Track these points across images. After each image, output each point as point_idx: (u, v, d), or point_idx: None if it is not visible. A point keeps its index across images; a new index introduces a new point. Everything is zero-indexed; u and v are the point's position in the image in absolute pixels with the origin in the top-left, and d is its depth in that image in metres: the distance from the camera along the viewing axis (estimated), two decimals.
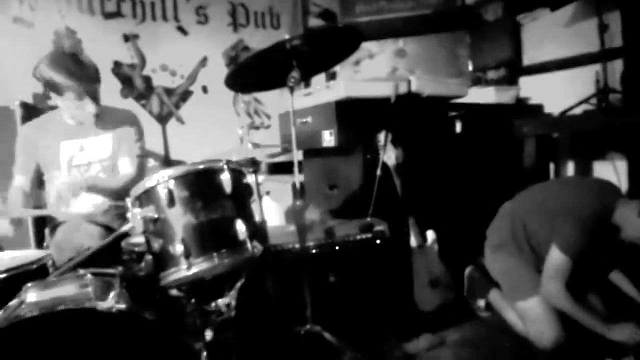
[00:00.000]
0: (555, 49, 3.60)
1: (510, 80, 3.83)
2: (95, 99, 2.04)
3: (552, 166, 3.53)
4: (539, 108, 3.55)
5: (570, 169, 3.53)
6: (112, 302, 1.27)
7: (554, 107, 3.39)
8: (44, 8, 3.55)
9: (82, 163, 2.16)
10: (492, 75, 3.98)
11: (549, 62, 3.65)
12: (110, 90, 3.69)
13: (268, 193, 3.27)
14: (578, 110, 3.03)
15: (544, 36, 3.70)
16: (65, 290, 1.31)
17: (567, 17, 3.48)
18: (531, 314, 2.06)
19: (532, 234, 2.13)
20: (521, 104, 3.59)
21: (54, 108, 2.23)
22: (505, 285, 2.24)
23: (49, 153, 2.14)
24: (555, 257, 1.95)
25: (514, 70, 3.86)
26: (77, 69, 1.98)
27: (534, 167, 3.10)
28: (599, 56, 3.05)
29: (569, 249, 1.91)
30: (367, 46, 4.03)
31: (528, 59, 3.85)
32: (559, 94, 3.38)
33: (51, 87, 2.01)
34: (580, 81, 3.26)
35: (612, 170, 3.12)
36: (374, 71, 4.01)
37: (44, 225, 2.28)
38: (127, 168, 2.18)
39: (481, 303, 2.43)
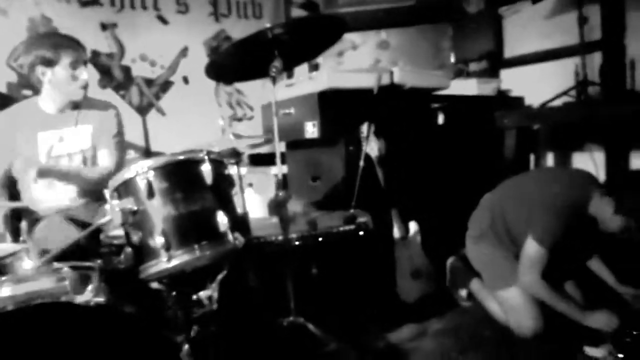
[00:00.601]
0: (536, 41, 3.64)
1: (492, 72, 3.87)
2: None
3: (532, 157, 3.58)
4: (519, 100, 3.59)
5: (550, 160, 3.58)
6: (90, 295, 1.24)
7: (534, 99, 3.43)
8: None
9: (62, 154, 2.11)
10: (473, 67, 4.01)
11: (530, 54, 3.69)
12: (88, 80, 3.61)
13: (251, 185, 3.24)
14: (558, 102, 3.07)
15: (525, 28, 3.74)
16: (41, 284, 1.29)
17: (547, 10, 3.52)
18: (511, 302, 2.09)
19: (510, 225, 2.15)
20: (502, 95, 3.63)
21: (28, 97, 2.18)
22: (485, 274, 2.27)
23: (26, 144, 2.08)
24: (531, 248, 1.97)
25: (495, 62, 3.89)
26: (64, 40, 2.07)
27: (514, 158, 3.14)
28: (578, 48, 3.09)
29: (544, 239, 1.93)
30: (350, 37, 4.01)
31: (509, 51, 3.89)
32: (539, 86, 3.42)
33: (43, 62, 2.00)
34: (560, 73, 3.30)
35: (590, 161, 3.17)
36: (357, 62, 3.99)
37: (19, 219, 2.22)
38: (105, 160, 2.14)
39: (462, 292, 2.45)
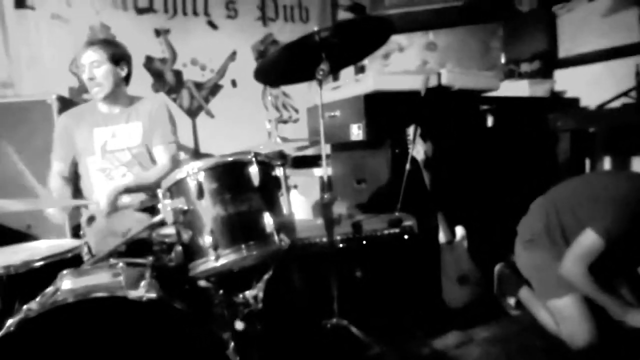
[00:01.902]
0: (593, 40, 3.48)
1: (545, 72, 3.73)
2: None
3: (587, 161, 3.42)
4: (574, 101, 3.45)
5: (607, 164, 3.41)
6: (143, 290, 1.29)
7: (590, 101, 3.28)
8: (79, 4, 3.64)
9: (115, 148, 2.23)
10: (525, 67, 3.88)
11: (586, 53, 3.54)
12: (142, 84, 3.77)
13: (295, 186, 3.28)
14: (616, 104, 2.92)
15: (581, 27, 3.58)
16: (98, 278, 1.35)
17: (605, 7, 3.36)
18: (564, 312, 2.01)
19: (566, 227, 2.06)
20: (556, 97, 3.49)
21: (88, 101, 2.32)
22: (536, 282, 2.18)
23: (84, 139, 2.23)
24: (588, 238, 1.91)
25: (549, 63, 3.75)
26: (91, 41, 2.27)
27: (568, 162, 3.01)
28: (638, 47, 2.93)
29: (606, 232, 1.86)
30: (396, 39, 3.97)
31: (564, 51, 3.74)
32: (596, 86, 3.27)
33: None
34: (619, 73, 3.14)
35: None
36: (403, 64, 3.95)
37: (78, 215, 2.35)
38: (161, 156, 2.23)
39: (511, 301, 2.38)
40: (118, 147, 2.23)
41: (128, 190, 2.08)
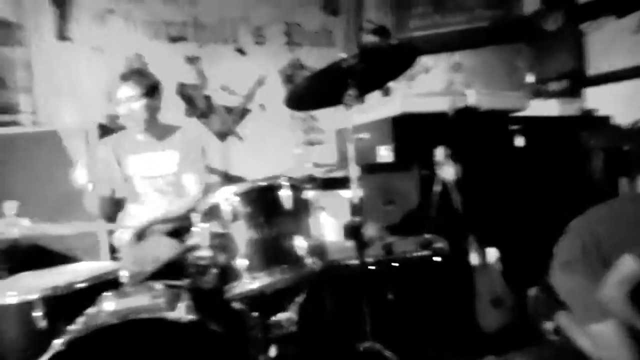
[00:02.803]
0: (623, 57, 3.44)
1: (573, 91, 3.69)
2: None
3: (622, 180, 3.34)
4: (606, 119, 3.39)
5: None
6: (182, 312, 1.33)
7: (623, 118, 3.22)
8: (116, 35, 3.81)
9: (149, 175, 2.29)
10: (553, 86, 3.85)
11: (617, 71, 3.49)
12: (175, 109, 3.89)
13: (324, 208, 3.30)
14: None
15: (610, 45, 3.55)
16: (139, 300, 1.39)
17: (634, 24, 3.33)
18: (604, 338, 1.95)
19: (606, 250, 2.01)
20: (587, 115, 3.44)
21: (124, 128, 2.40)
22: (575, 306, 2.12)
23: (119, 166, 2.29)
24: (627, 264, 1.86)
25: (577, 81, 3.71)
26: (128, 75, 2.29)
27: (602, 181, 2.96)
28: None
29: None
30: (422, 60, 4.00)
31: (593, 69, 3.70)
32: (628, 104, 3.22)
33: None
34: None
35: None
36: (429, 85, 3.97)
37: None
38: (192, 186, 2.27)
39: (549, 325, 2.31)
40: (153, 174, 2.29)
41: (156, 223, 2.14)
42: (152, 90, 2.26)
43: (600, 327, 1.96)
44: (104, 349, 1.26)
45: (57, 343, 1.24)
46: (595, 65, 3.69)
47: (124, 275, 1.71)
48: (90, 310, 1.41)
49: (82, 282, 1.58)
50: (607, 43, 3.59)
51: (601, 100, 3.54)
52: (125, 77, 2.25)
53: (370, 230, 2.36)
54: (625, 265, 1.87)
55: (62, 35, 3.66)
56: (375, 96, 3.49)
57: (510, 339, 2.25)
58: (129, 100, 2.19)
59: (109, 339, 1.26)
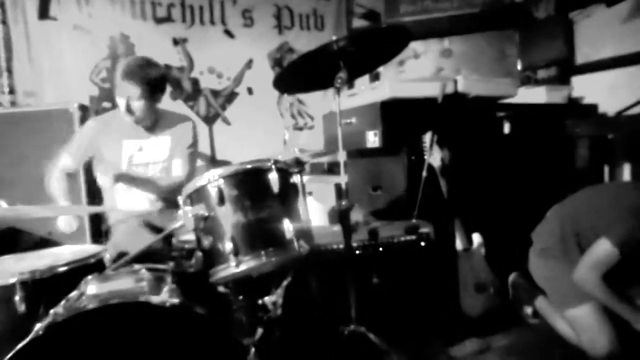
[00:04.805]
0: (611, 46, 3.45)
1: (561, 79, 3.70)
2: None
3: (606, 168, 3.38)
4: (592, 108, 3.41)
5: (626, 171, 3.36)
6: (166, 296, 1.31)
7: (609, 107, 3.25)
8: (100, 14, 3.72)
9: (140, 162, 2.25)
10: (542, 74, 3.86)
11: (605, 59, 3.50)
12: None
13: (310, 193, 3.29)
14: (635, 110, 2.88)
15: (599, 33, 3.55)
16: (122, 284, 1.38)
17: (624, 13, 3.33)
18: (582, 321, 1.99)
19: (582, 236, 2.04)
20: (574, 103, 3.46)
21: (107, 110, 2.34)
22: (551, 291, 2.16)
23: (111, 149, 2.23)
24: (603, 247, 1.90)
25: (566, 69, 3.72)
26: (130, 74, 2.12)
27: (587, 169, 2.98)
28: None
29: (622, 242, 1.85)
30: (412, 46, 3.95)
31: (581, 57, 3.70)
32: (615, 93, 3.24)
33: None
34: (638, 79, 3.11)
35: None
36: (419, 71, 3.96)
37: (99, 221, 2.39)
38: (178, 169, 2.25)
39: (528, 310, 2.35)
40: (144, 160, 2.25)
41: (138, 181, 2.12)
42: (155, 88, 2.14)
43: (577, 311, 2.00)
44: (85, 334, 1.24)
45: (38, 327, 1.22)
46: (584, 53, 3.69)
47: (107, 258, 1.70)
48: (72, 294, 1.39)
49: (63, 265, 1.55)
50: (596, 31, 3.59)
51: (588, 88, 3.56)
52: (126, 74, 2.08)
53: (356, 215, 2.36)
54: (600, 247, 1.90)
55: (45, 14, 3.56)
56: (364, 81, 3.48)
57: (492, 322, 2.29)
58: (129, 99, 2.10)
59: (91, 323, 1.25)
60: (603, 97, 3.38)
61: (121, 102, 2.12)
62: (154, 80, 2.12)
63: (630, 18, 3.29)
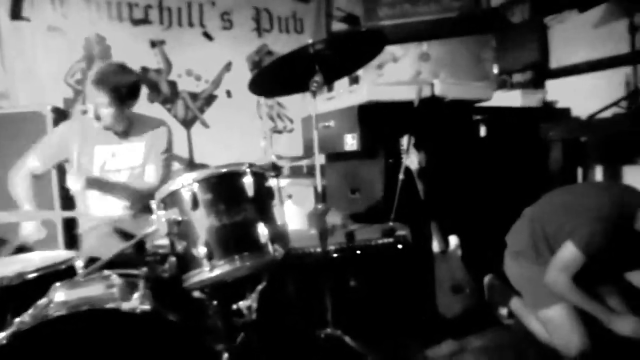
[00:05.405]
0: (584, 50, 3.52)
1: (537, 83, 3.77)
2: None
3: (579, 171, 3.45)
4: (566, 111, 3.48)
5: (599, 173, 3.44)
6: (136, 302, 1.29)
7: (582, 111, 3.31)
8: (75, 15, 3.66)
9: (113, 168, 2.21)
10: (517, 78, 3.92)
11: (577, 64, 3.58)
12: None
13: (290, 196, 3.29)
14: (607, 114, 2.95)
15: (572, 38, 3.63)
16: (92, 290, 1.35)
17: (596, 18, 3.40)
18: (554, 322, 2.02)
19: (551, 238, 2.08)
20: (548, 107, 3.52)
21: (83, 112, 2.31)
22: (525, 292, 2.20)
23: (83, 155, 2.19)
24: (568, 251, 1.93)
25: (541, 73, 3.79)
26: (101, 81, 2.07)
27: (560, 171, 3.03)
28: (629, 58, 2.97)
29: (585, 245, 1.89)
30: (391, 49, 4.01)
31: (555, 62, 3.78)
32: (588, 97, 3.30)
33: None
34: (610, 84, 3.18)
35: None
36: (398, 74, 3.99)
37: (73, 227, 2.35)
38: (151, 176, 2.22)
39: (503, 311, 2.39)
40: (117, 167, 2.21)
41: (110, 186, 2.09)
42: (124, 96, 2.09)
43: (550, 312, 2.03)
44: (52, 342, 1.21)
45: (3, 336, 1.18)
46: (558, 58, 3.77)
47: (79, 264, 1.67)
48: (40, 302, 1.36)
49: (32, 272, 1.51)
50: (569, 36, 3.66)
51: (562, 92, 3.62)
52: (96, 82, 2.04)
53: (334, 218, 2.36)
54: (566, 251, 1.94)
55: (17, 14, 3.50)
56: (343, 84, 3.49)
57: (468, 323, 2.31)
58: (97, 106, 2.07)
59: (58, 331, 1.22)
60: (576, 101, 3.45)
61: (90, 108, 2.08)
62: (124, 89, 2.08)
63: (601, 24, 3.36)
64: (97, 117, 2.09)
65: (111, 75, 2.07)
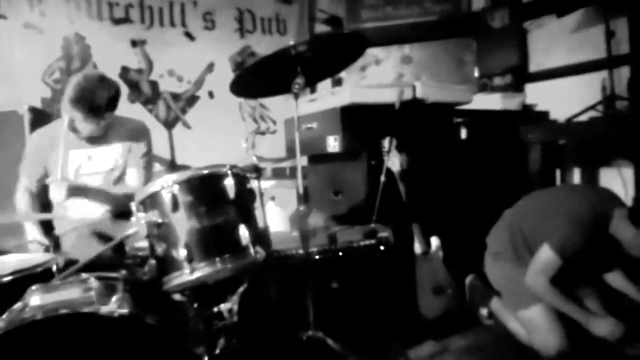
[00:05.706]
0: (562, 55, 3.59)
1: (516, 86, 3.83)
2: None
3: (558, 173, 3.51)
4: (544, 114, 3.54)
5: (576, 175, 3.51)
6: (115, 306, 1.27)
7: (560, 114, 3.38)
8: (53, 14, 3.59)
9: (88, 172, 2.17)
10: (497, 81, 3.98)
11: (555, 68, 3.65)
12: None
13: (273, 198, 3.28)
14: (584, 117, 3.02)
15: (550, 42, 3.70)
16: (69, 294, 1.32)
17: (573, 24, 3.48)
18: (533, 322, 2.05)
19: (530, 239, 2.12)
20: (527, 110, 3.58)
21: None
22: (505, 293, 2.23)
23: (58, 161, 2.09)
24: (545, 254, 1.96)
25: (520, 77, 3.85)
26: (82, 99, 2.01)
27: (539, 173, 3.09)
28: (605, 63, 3.04)
29: (561, 248, 1.92)
30: (373, 52, 4.04)
31: (534, 65, 3.84)
32: (565, 100, 3.37)
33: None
34: (587, 88, 3.25)
35: (618, 177, 3.10)
36: (380, 77, 4.02)
37: (50, 229, 2.30)
38: (133, 179, 2.19)
39: (484, 311, 2.42)
40: (93, 170, 2.17)
41: (92, 193, 2.05)
42: (102, 112, 2.04)
43: (529, 313, 2.06)
44: (28, 347, 1.19)
45: None
46: (537, 61, 3.84)
47: (55, 268, 1.64)
48: (15, 306, 1.33)
49: (7, 275, 1.48)
50: (547, 41, 3.73)
51: (541, 95, 3.69)
52: (73, 101, 1.98)
53: (316, 220, 2.36)
54: (543, 254, 1.97)
55: None
56: (326, 86, 3.50)
57: (451, 324, 2.33)
58: (73, 119, 2.01)
59: (35, 335, 1.19)
60: (554, 104, 3.51)
61: (65, 118, 2.02)
62: (102, 105, 2.03)
63: (579, 29, 3.44)
64: (74, 130, 2.04)
65: (88, 94, 1.99)
